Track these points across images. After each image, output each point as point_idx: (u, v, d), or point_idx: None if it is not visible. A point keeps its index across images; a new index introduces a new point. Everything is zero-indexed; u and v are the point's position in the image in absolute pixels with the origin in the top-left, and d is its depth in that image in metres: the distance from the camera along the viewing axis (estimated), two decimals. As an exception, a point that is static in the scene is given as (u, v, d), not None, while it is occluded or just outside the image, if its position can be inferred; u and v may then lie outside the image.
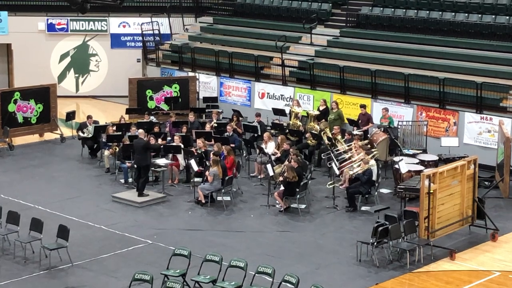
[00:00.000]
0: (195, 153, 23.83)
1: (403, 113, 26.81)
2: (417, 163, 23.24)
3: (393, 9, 30.76)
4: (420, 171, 21.38)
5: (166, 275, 16.73)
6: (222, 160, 22.70)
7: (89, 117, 27.05)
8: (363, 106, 26.91)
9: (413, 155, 24.13)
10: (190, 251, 17.17)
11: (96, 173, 24.94)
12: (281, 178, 21.85)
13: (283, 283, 15.93)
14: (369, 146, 23.99)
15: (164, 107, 30.86)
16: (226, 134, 25.82)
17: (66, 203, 22.21)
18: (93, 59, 35.17)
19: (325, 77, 29.25)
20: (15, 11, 34.82)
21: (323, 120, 26.78)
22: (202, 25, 35.23)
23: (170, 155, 24.24)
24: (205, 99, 31.18)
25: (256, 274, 16.39)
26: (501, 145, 23.28)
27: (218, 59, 31.74)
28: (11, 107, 28.18)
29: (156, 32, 34.70)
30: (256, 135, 26.72)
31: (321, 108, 27.60)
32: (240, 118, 27.89)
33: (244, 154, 25.95)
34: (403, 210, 19.81)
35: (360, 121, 26.76)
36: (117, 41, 35.01)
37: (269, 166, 22.29)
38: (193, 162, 22.92)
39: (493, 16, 28.32)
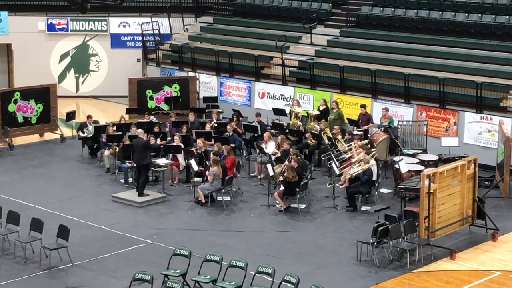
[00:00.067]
0: (195, 153, 23.83)
1: (403, 113, 26.81)
2: (417, 163, 23.24)
3: (393, 9, 30.76)
4: (420, 171, 21.38)
5: (166, 275, 16.73)
6: (222, 160, 22.70)
7: (89, 116, 27.05)
8: (363, 106, 26.92)
9: (413, 155, 24.13)
10: (190, 251, 17.17)
11: (96, 173, 24.94)
12: (281, 178, 21.85)
13: (283, 283, 15.93)
14: (369, 146, 23.98)
15: (164, 107, 30.86)
16: (226, 134, 25.82)
17: (66, 203, 22.21)
18: (93, 59, 35.17)
19: (325, 77, 29.25)
20: (15, 11, 34.82)
21: (323, 120, 26.78)
22: (202, 25, 35.23)
23: (170, 155, 24.24)
24: (205, 99, 31.18)
25: (256, 274, 16.39)
26: (501, 145, 23.28)
27: (218, 59, 31.74)
28: (11, 107, 28.18)
29: (156, 32, 34.70)
30: (256, 135, 26.72)
31: (321, 108, 27.60)
32: (240, 118, 27.89)
33: (244, 154, 25.95)
34: (403, 210, 19.81)
35: (360, 121, 26.76)
36: (117, 41, 35.01)
37: (269, 166, 22.29)
38: (193, 162, 22.92)
39: (493, 16, 28.32)
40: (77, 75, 35.17)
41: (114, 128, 26.07)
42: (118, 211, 21.81)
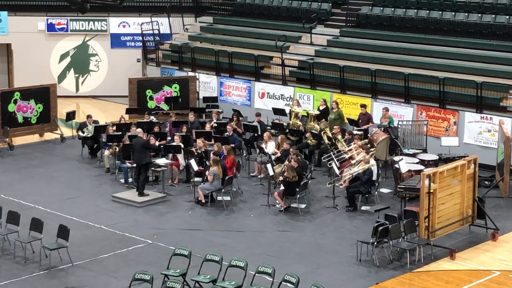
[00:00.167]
0: (195, 153, 23.83)
1: (403, 113, 26.81)
2: (417, 163, 23.24)
3: (393, 9, 30.76)
4: (420, 170, 21.37)
5: (166, 275, 16.73)
6: (222, 160, 22.70)
7: (89, 116, 27.06)
8: (363, 106, 26.92)
9: (413, 155, 24.13)
10: (190, 251, 17.17)
11: (96, 173, 24.93)
12: (281, 178, 21.84)
13: (283, 283, 15.93)
14: (369, 145, 23.98)
15: (164, 107, 30.86)
16: (226, 134, 25.82)
17: (66, 203, 22.21)
18: (93, 59, 35.17)
19: (325, 76, 29.26)
20: (15, 11, 34.82)
21: (323, 119, 26.77)
22: (202, 25, 35.23)
23: (170, 155, 24.23)
24: (205, 99, 31.18)
25: (256, 274, 16.39)
26: (501, 144, 23.28)
27: (218, 59, 31.74)
28: (11, 107, 28.18)
29: (156, 32, 34.70)
30: (256, 134, 26.72)
31: (321, 108, 27.60)
32: (240, 118, 27.89)
33: (244, 154, 25.94)
34: (403, 210, 19.80)
35: (360, 121, 26.76)
36: (117, 41, 35.01)
37: (269, 165, 22.28)
38: (193, 162, 22.91)
39: (493, 16, 28.33)
40: (77, 75, 35.17)
41: (114, 128, 26.07)
42: (118, 211, 21.81)
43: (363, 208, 21.75)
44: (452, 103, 26.21)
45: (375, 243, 18.40)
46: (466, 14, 28.97)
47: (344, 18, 31.62)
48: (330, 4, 32.67)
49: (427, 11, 29.79)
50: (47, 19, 34.55)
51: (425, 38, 28.99)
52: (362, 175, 21.86)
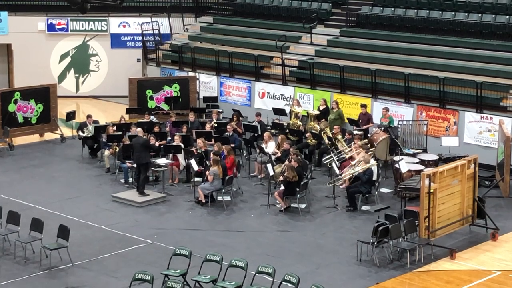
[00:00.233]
0: (195, 153, 23.83)
1: (403, 113, 26.80)
2: (417, 163, 23.23)
3: (393, 9, 30.76)
4: (420, 170, 21.38)
5: (167, 275, 16.73)
6: (222, 160, 22.70)
7: (89, 116, 27.07)
8: (363, 106, 26.93)
9: (413, 155, 24.13)
10: (191, 251, 17.17)
11: (96, 173, 24.93)
12: (281, 178, 21.84)
13: (283, 282, 15.92)
14: (369, 145, 23.98)
15: (164, 107, 30.86)
16: (226, 134, 25.82)
17: (66, 203, 22.21)
18: (93, 59, 35.17)
19: (325, 76, 29.26)
20: (15, 11, 34.83)
21: (323, 119, 26.77)
22: (202, 25, 35.24)
23: (170, 155, 24.23)
24: (205, 99, 31.18)
25: (257, 274, 16.39)
26: (501, 144, 23.28)
27: (218, 59, 31.74)
28: (11, 107, 28.18)
29: (156, 32, 34.70)
30: (256, 134, 26.72)
31: (321, 108, 27.61)
32: (240, 118, 27.89)
33: (244, 154, 25.95)
34: (403, 210, 19.80)
35: (360, 121, 26.77)
36: (117, 41, 35.02)
37: (269, 165, 22.28)
38: (193, 162, 22.92)
39: (493, 16, 28.33)
40: (77, 75, 35.17)
41: (114, 128, 26.07)
42: (118, 211, 21.81)
43: (363, 208, 21.75)
44: (452, 103, 26.21)
45: (375, 243, 18.40)
46: (466, 14, 28.97)
47: (344, 18, 31.62)
48: (330, 4, 32.68)
49: (427, 11, 29.79)
50: (47, 19, 34.55)
51: (425, 38, 28.99)
52: (362, 175, 21.86)
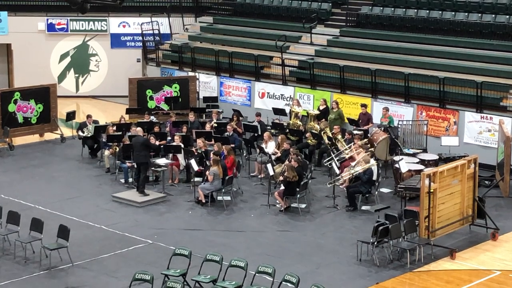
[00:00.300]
0: (195, 153, 23.83)
1: (403, 113, 26.81)
2: (417, 163, 23.23)
3: (393, 9, 30.77)
4: (420, 170, 21.37)
5: (167, 275, 16.73)
6: (222, 160, 22.70)
7: (89, 116, 27.07)
8: (364, 105, 26.92)
9: (413, 155, 24.13)
10: (191, 251, 17.16)
11: (96, 173, 24.93)
12: (281, 178, 21.84)
13: (283, 282, 15.92)
14: (369, 145, 23.98)
15: (164, 107, 30.86)
16: (226, 134, 25.81)
17: (66, 203, 22.21)
18: (93, 59, 35.17)
19: (325, 76, 29.26)
20: (15, 11, 34.83)
21: (323, 119, 26.77)
22: (202, 25, 35.24)
23: (170, 155, 24.23)
24: (205, 99, 31.17)
25: (257, 274, 16.39)
26: (501, 144, 23.28)
27: (218, 58, 31.74)
28: (11, 107, 28.18)
29: (156, 32, 34.70)
30: (256, 134, 26.72)
31: (321, 108, 27.61)
32: (240, 118, 27.88)
33: (244, 154, 25.94)
34: (404, 210, 19.80)
35: (360, 121, 26.77)
36: (117, 41, 35.02)
37: (269, 165, 22.28)
38: (193, 162, 22.91)
39: (493, 16, 28.33)
40: (77, 75, 35.17)
41: (114, 128, 26.07)
42: (118, 211, 21.81)
43: (363, 208, 21.75)
44: (452, 102, 26.21)
45: (375, 243, 18.40)
46: (466, 14, 28.97)
47: (344, 18, 31.62)
48: (330, 4, 32.68)
49: (427, 11, 29.79)
50: (47, 19, 34.55)
51: (425, 38, 28.99)
52: (362, 175, 21.85)
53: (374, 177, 21.95)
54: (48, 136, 29.04)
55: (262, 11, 34.24)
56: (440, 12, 29.51)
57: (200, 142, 24.12)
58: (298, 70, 30.25)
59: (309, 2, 33.18)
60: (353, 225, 20.69)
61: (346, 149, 23.89)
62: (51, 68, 34.79)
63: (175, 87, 31.06)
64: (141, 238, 19.77)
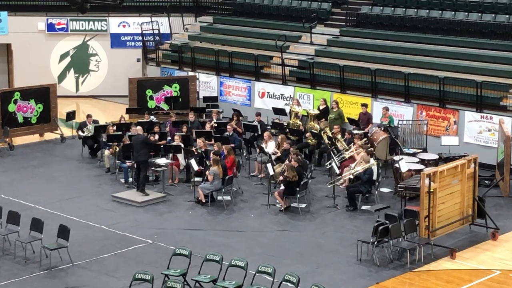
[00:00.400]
0: (195, 153, 23.83)
1: (403, 112, 26.81)
2: (417, 162, 23.23)
3: (393, 8, 30.77)
4: (420, 170, 21.37)
5: (167, 274, 16.73)
6: (222, 160, 22.70)
7: (88, 116, 27.08)
8: (364, 105, 26.92)
9: (413, 154, 24.12)
10: (191, 251, 17.17)
11: (96, 173, 24.93)
12: (281, 178, 21.84)
13: (283, 282, 15.92)
14: (368, 145, 23.98)
15: (164, 106, 30.86)
16: (226, 133, 25.81)
17: (66, 203, 22.21)
18: (93, 59, 35.17)
19: (325, 76, 29.26)
20: (15, 11, 34.83)
21: (323, 119, 26.77)
22: (202, 25, 35.23)
23: (170, 155, 24.23)
24: (205, 99, 31.17)
25: (257, 274, 16.39)
26: (501, 144, 23.28)
27: (218, 58, 31.74)
28: (11, 107, 28.18)
29: (156, 31, 34.70)
30: (256, 134, 26.72)
31: (321, 107, 27.61)
32: (240, 118, 27.88)
33: (244, 154, 25.94)
34: (404, 209, 19.80)
35: (360, 120, 26.76)
36: (117, 41, 35.02)
37: (269, 165, 22.28)
38: (193, 162, 22.91)
39: (493, 15, 28.33)
40: (77, 75, 35.18)
41: (114, 128, 26.07)
42: (118, 211, 21.81)
43: (363, 207, 21.75)
44: (452, 102, 26.21)
45: (376, 243, 18.40)
46: (466, 13, 28.97)
47: (344, 17, 31.62)
48: (330, 4, 32.67)
49: (427, 11, 29.79)
50: (47, 19, 34.55)
51: (425, 37, 28.99)
52: (362, 175, 21.85)
53: (374, 177, 21.95)
54: (48, 136, 29.04)
55: (262, 11, 34.24)
56: (440, 11, 29.51)
57: (200, 142, 24.12)
58: (298, 70, 30.25)
59: (309, 2, 33.18)
60: (353, 225, 20.69)
61: (346, 149, 23.89)
62: (51, 68, 34.79)
63: (175, 87, 31.06)
64: (141, 238, 19.77)
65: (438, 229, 19.08)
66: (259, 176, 24.11)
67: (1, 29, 34.24)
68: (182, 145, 24.28)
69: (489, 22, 28.12)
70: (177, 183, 23.82)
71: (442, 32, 28.83)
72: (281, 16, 33.44)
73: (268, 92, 30.32)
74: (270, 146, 24.46)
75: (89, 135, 26.45)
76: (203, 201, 22.06)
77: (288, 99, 29.55)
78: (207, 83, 31.97)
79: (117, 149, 24.60)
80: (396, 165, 22.46)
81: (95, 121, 27.19)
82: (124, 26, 35.05)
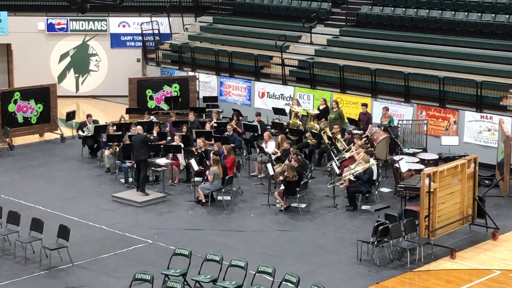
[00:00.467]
0: (195, 153, 23.83)
1: (403, 112, 26.81)
2: (417, 162, 23.23)
3: (393, 8, 30.77)
4: (420, 170, 21.38)
5: (167, 274, 16.73)
6: (222, 160, 22.70)
7: (88, 115, 27.09)
8: (364, 105, 26.92)
9: (413, 154, 24.12)
10: (191, 251, 17.17)
11: (96, 173, 24.93)
12: (281, 178, 21.84)
13: (283, 282, 15.92)
14: (368, 145, 23.98)
15: (164, 106, 30.86)
16: (226, 133, 25.81)
17: (66, 203, 22.21)
18: (93, 59, 35.17)
19: (325, 76, 29.26)
20: (15, 11, 34.83)
21: (323, 119, 26.77)
22: (202, 25, 35.23)
23: (170, 155, 24.23)
24: (205, 99, 31.17)
25: (257, 274, 16.39)
26: (501, 143, 23.28)
27: (218, 58, 31.74)
28: (11, 107, 28.18)
29: (156, 31, 34.70)
30: (256, 134, 26.72)
31: (321, 107, 27.61)
32: (240, 118, 27.88)
33: (244, 154, 25.94)
34: (404, 209, 19.80)
35: (360, 120, 26.76)
36: (117, 41, 35.02)
37: (269, 165, 22.28)
38: (193, 162, 22.91)
39: (493, 15, 28.34)
40: (77, 75, 35.18)
41: (114, 128, 26.07)
42: (118, 211, 21.81)
43: (363, 207, 21.75)
44: (452, 102, 26.21)
45: (376, 243, 18.40)
46: (466, 13, 28.97)
47: (344, 17, 31.62)
48: (330, 4, 32.68)
49: (427, 11, 29.79)
50: (47, 19, 34.55)
51: (425, 37, 29.00)
52: (362, 175, 21.85)
53: (374, 177, 21.95)
54: (48, 136, 29.04)
55: (262, 11, 34.25)
56: (440, 11, 29.51)
57: (200, 142, 24.12)
58: (298, 69, 30.26)
59: (309, 2, 33.18)
60: (353, 225, 20.69)
61: (346, 149, 23.88)
62: (51, 68, 34.79)
63: (175, 87, 31.06)
64: (141, 238, 19.77)
65: (438, 229, 19.08)
66: (259, 176, 24.11)
67: (1, 29, 34.25)
68: (182, 145, 24.28)
69: (489, 22, 28.13)
70: (177, 183, 23.82)
71: (442, 32, 28.83)
72: (281, 16, 33.45)
73: (268, 92, 30.32)
74: (270, 146, 24.47)
75: (89, 135, 26.46)
76: (203, 201, 22.06)
77: (288, 99, 29.55)
78: (207, 83, 31.97)
79: (117, 149, 24.60)
80: (396, 165, 22.46)
81: (95, 121, 27.20)
82: (124, 26, 35.05)
